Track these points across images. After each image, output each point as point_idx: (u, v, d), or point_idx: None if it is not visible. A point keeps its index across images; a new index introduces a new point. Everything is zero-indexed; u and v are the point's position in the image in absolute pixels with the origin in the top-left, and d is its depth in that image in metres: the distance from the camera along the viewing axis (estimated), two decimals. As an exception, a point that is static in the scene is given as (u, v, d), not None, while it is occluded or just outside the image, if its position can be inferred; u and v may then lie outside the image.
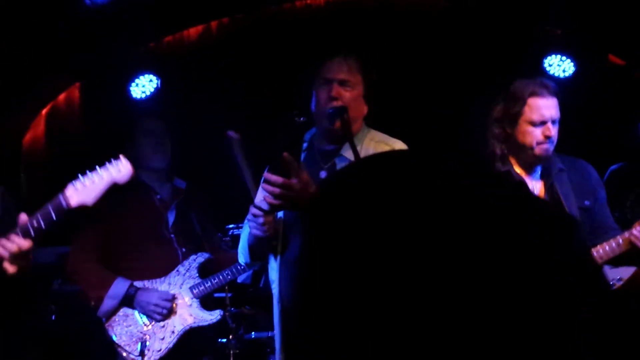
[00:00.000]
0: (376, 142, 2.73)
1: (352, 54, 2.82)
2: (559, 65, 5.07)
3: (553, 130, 2.95)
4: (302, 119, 2.70)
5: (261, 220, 2.52)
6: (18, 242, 2.33)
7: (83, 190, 2.31)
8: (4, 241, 2.35)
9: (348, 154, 2.65)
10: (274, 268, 2.72)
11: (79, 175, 2.35)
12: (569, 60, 5.05)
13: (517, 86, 3.01)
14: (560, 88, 3.08)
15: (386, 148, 2.68)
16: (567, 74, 5.06)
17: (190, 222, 3.89)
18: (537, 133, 2.94)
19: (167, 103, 5.06)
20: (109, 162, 2.37)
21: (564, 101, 3.05)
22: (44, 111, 5.18)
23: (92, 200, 2.33)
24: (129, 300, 3.56)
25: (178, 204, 3.89)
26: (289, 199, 2.39)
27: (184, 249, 3.80)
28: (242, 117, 5.02)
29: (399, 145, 2.75)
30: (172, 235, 3.79)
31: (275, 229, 2.59)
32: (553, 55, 5.07)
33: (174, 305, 3.63)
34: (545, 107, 2.94)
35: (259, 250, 2.73)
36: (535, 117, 2.93)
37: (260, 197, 2.56)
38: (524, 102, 2.94)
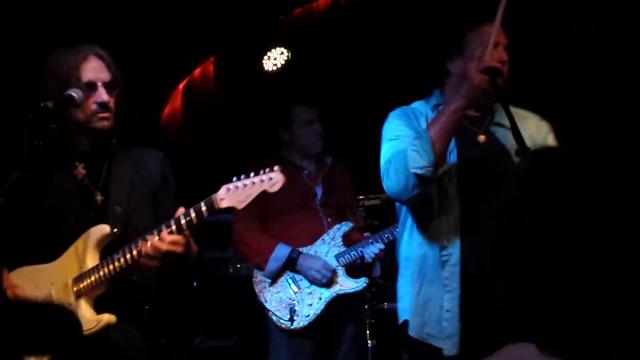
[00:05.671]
0: (523, 116, 2.62)
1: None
2: None
3: None
4: None
5: None
6: (170, 239, 2.34)
7: (234, 195, 2.31)
8: (158, 242, 2.36)
9: (502, 120, 2.59)
10: (456, 246, 2.54)
11: (233, 178, 2.35)
12: None
13: None
14: None
15: (532, 119, 2.66)
16: None
17: (336, 194, 3.97)
18: None
19: (299, 75, 5.12)
20: (264, 171, 2.35)
21: None
22: (181, 85, 5.36)
23: (241, 205, 2.33)
24: (291, 263, 3.68)
25: (324, 178, 3.97)
26: None
27: (329, 219, 3.88)
28: (371, 88, 5.01)
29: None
30: (319, 206, 3.87)
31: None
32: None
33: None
34: None
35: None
36: None
37: None
38: None
